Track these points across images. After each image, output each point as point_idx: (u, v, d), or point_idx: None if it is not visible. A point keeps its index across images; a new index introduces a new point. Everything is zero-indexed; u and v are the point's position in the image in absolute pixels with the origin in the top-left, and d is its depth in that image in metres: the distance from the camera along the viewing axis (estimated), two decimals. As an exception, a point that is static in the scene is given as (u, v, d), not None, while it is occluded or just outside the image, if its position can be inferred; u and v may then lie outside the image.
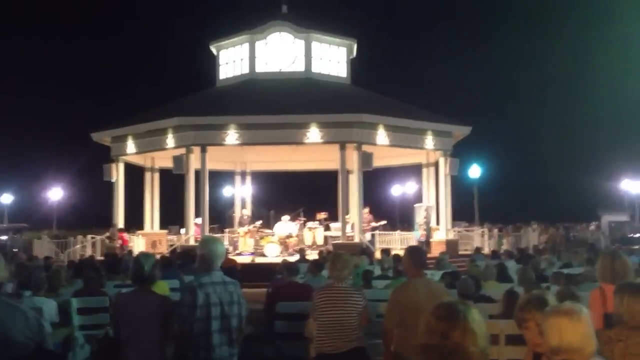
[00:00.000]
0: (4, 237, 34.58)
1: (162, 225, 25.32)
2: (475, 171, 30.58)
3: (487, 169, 34.52)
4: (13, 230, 37.13)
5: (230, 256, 15.71)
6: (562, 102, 65.68)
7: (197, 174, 20.68)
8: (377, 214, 25.24)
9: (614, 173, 45.28)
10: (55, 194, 47.75)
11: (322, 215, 22.52)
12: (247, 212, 24.72)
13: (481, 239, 24.14)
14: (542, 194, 57.12)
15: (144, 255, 5.02)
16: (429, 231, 21.65)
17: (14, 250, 25.66)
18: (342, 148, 20.47)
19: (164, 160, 23.42)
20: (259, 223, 22.13)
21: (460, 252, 21.42)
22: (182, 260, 12.48)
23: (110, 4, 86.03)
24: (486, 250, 20.02)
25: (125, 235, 22.35)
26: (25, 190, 52.59)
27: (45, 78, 73.35)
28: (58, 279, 8.08)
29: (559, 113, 64.25)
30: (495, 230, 26.06)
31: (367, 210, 22.27)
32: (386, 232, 26.39)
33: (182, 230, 22.09)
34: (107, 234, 23.33)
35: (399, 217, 49.32)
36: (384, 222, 24.23)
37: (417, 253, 5.60)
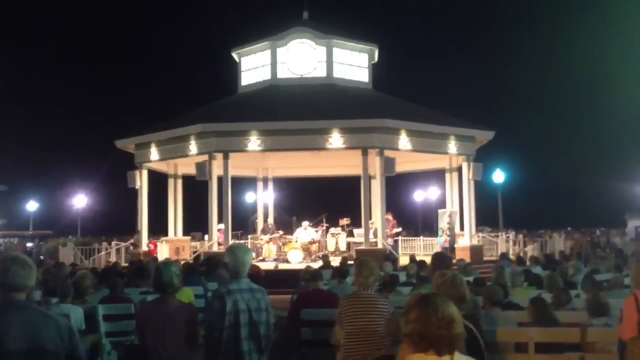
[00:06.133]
0: (30, 244, 35.05)
1: (185, 232, 25.44)
2: (499, 176, 30.30)
3: (511, 174, 34.21)
4: (38, 237, 37.63)
5: (254, 262, 15.70)
6: (588, 106, 64.97)
7: (220, 180, 20.75)
8: (399, 220, 25.11)
9: (640, 177, 44.64)
10: (80, 201, 48.31)
11: (345, 221, 22.46)
12: (271, 221, 24.74)
13: (506, 244, 23.88)
14: (567, 199, 56.54)
15: (164, 263, 5.03)
16: (452, 237, 21.48)
17: (40, 257, 25.96)
18: (364, 153, 20.40)
19: (186, 167, 23.55)
20: (280, 232, 22.13)
21: (485, 258, 21.22)
22: (205, 267, 12.51)
23: (132, 12, 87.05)
24: (510, 256, 19.78)
25: (151, 245, 22.53)
26: (50, 197, 53.42)
27: (68, 86, 74.41)
28: (84, 286, 8.12)
29: (585, 117, 63.51)
30: (520, 236, 25.78)
31: (390, 215, 22.19)
32: (409, 238, 26.25)
33: (206, 237, 22.17)
34: (132, 240, 23.50)
35: (421, 222, 49.17)
36: (399, 230, 24.04)
37: (442, 260, 5.55)
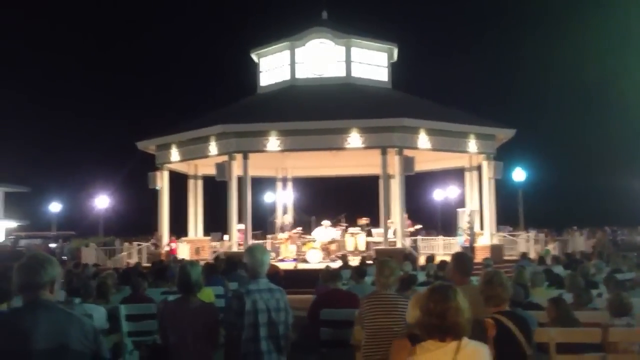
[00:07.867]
0: (53, 245, 35.45)
1: (205, 232, 25.60)
2: (519, 175, 30.04)
3: (531, 173, 33.90)
4: (62, 237, 38.05)
5: (273, 262, 15.71)
6: (609, 103, 64.07)
7: (240, 180, 20.85)
8: (418, 219, 25.01)
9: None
10: (102, 201, 48.66)
11: (364, 220, 22.43)
12: (289, 218, 24.81)
13: (526, 244, 23.69)
14: (588, 197, 55.87)
15: (190, 263, 5.07)
16: (472, 236, 21.35)
17: (62, 257, 26.24)
18: (384, 153, 20.37)
19: (207, 167, 23.71)
20: (299, 229, 22.15)
21: (505, 258, 21.06)
22: (225, 267, 12.57)
23: (152, 14, 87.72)
24: (532, 255, 19.63)
25: (173, 244, 22.70)
26: (73, 198, 53.96)
27: (91, 89, 75.23)
28: (108, 286, 8.20)
29: (606, 115, 62.66)
30: (542, 235, 25.53)
31: (405, 215, 22.13)
32: (429, 238, 26.13)
33: (225, 237, 22.30)
34: (153, 240, 23.67)
35: (441, 222, 48.84)
36: (419, 227, 23.96)
37: (462, 260, 5.51)
